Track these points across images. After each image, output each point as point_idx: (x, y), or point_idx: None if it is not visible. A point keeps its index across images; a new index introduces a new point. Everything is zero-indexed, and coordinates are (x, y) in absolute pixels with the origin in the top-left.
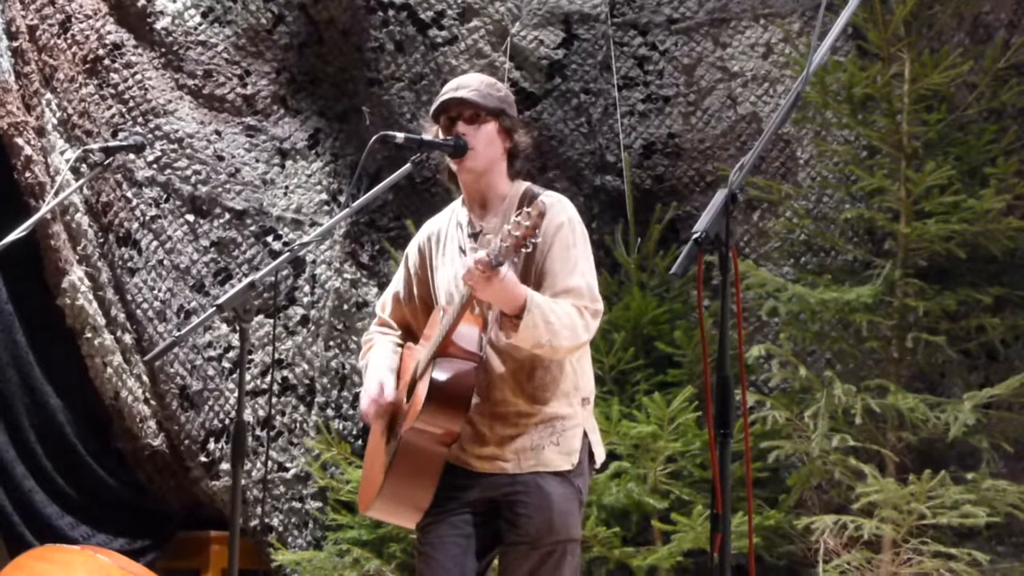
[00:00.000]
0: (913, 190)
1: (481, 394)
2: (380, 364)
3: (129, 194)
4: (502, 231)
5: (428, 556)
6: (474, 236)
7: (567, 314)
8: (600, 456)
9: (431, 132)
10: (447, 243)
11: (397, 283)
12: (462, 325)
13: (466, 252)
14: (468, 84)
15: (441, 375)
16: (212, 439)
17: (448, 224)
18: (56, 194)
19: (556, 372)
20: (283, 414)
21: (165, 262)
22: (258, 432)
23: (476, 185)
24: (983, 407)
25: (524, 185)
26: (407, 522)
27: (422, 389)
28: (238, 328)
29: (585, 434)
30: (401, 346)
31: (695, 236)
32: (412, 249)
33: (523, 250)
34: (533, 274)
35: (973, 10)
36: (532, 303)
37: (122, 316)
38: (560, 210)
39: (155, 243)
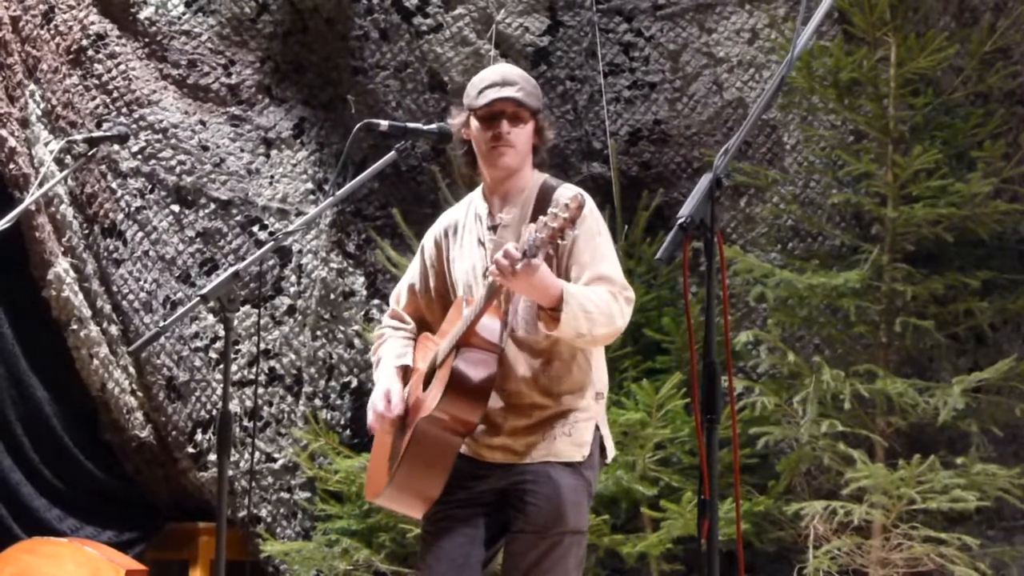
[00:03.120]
0: (900, 174)
1: (496, 385)
2: (388, 369)
3: (114, 185)
4: (538, 222)
5: (431, 543)
6: (493, 228)
7: (603, 300)
8: (611, 450)
9: (457, 118)
10: (465, 235)
11: (412, 274)
12: (485, 317)
13: (485, 244)
14: (513, 80)
15: (463, 365)
16: (199, 430)
17: (466, 216)
18: (40, 185)
19: (572, 365)
20: (270, 404)
21: (150, 253)
22: (245, 423)
23: (505, 180)
24: (972, 391)
25: (542, 177)
26: (415, 512)
27: (442, 378)
28: (223, 318)
29: (597, 427)
30: (414, 341)
31: (680, 221)
32: (428, 241)
33: (560, 241)
34: (559, 267)
35: None
36: (568, 294)
37: (108, 307)
38: None
39: (140, 234)
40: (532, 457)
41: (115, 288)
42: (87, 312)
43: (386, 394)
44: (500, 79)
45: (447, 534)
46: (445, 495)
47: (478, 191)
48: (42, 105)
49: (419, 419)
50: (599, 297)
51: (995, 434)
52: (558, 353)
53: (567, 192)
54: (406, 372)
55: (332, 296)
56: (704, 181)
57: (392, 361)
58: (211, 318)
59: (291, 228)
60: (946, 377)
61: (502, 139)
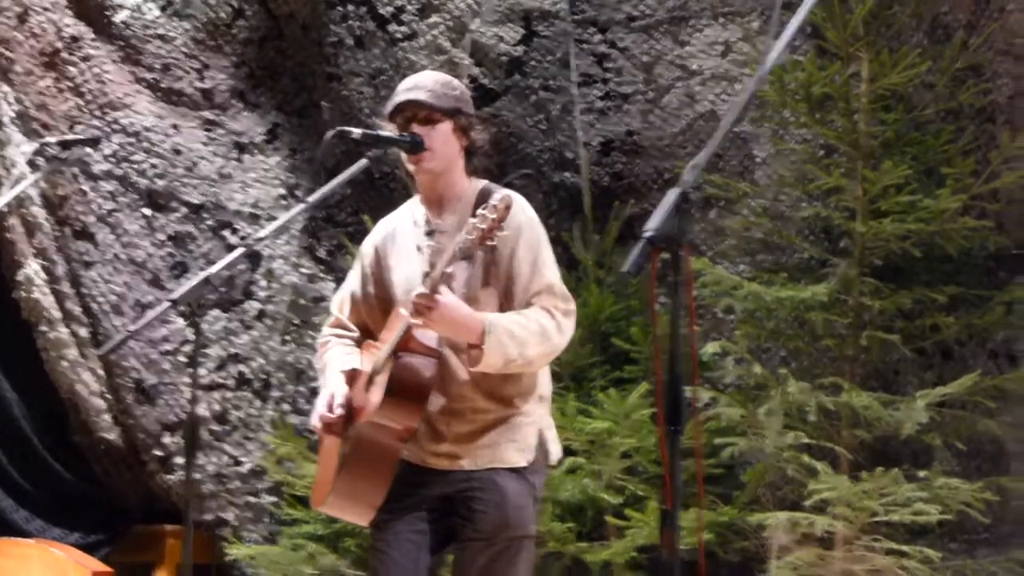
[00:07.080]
0: (870, 189)
1: (439, 391)
2: (335, 374)
3: (86, 187)
4: (467, 224)
5: (381, 552)
6: (430, 234)
7: (534, 320)
8: (556, 454)
9: (388, 129)
10: (402, 241)
11: (353, 282)
12: None
13: (423, 250)
14: (423, 84)
15: (401, 370)
16: (167, 433)
17: (404, 222)
18: (12, 187)
19: None
20: (238, 408)
21: (121, 256)
22: (213, 426)
23: (434, 184)
24: (936, 405)
25: (481, 183)
26: (360, 519)
27: (381, 384)
28: (193, 323)
29: (541, 431)
30: (358, 346)
31: (646, 235)
32: (367, 247)
33: (488, 243)
34: (498, 278)
35: (932, 10)
36: (490, 322)
37: (78, 310)
38: (520, 209)
39: (111, 237)
40: (477, 463)
41: (85, 290)
42: (57, 314)
43: (330, 398)
44: (410, 85)
45: (395, 542)
46: (390, 502)
47: (416, 197)
48: (15, 107)
49: (358, 425)
50: (530, 317)
51: (958, 448)
52: None
53: (507, 194)
54: (352, 377)
55: (302, 301)
56: (671, 194)
57: (338, 366)
58: (180, 321)
59: (262, 233)
60: (911, 391)
61: None
